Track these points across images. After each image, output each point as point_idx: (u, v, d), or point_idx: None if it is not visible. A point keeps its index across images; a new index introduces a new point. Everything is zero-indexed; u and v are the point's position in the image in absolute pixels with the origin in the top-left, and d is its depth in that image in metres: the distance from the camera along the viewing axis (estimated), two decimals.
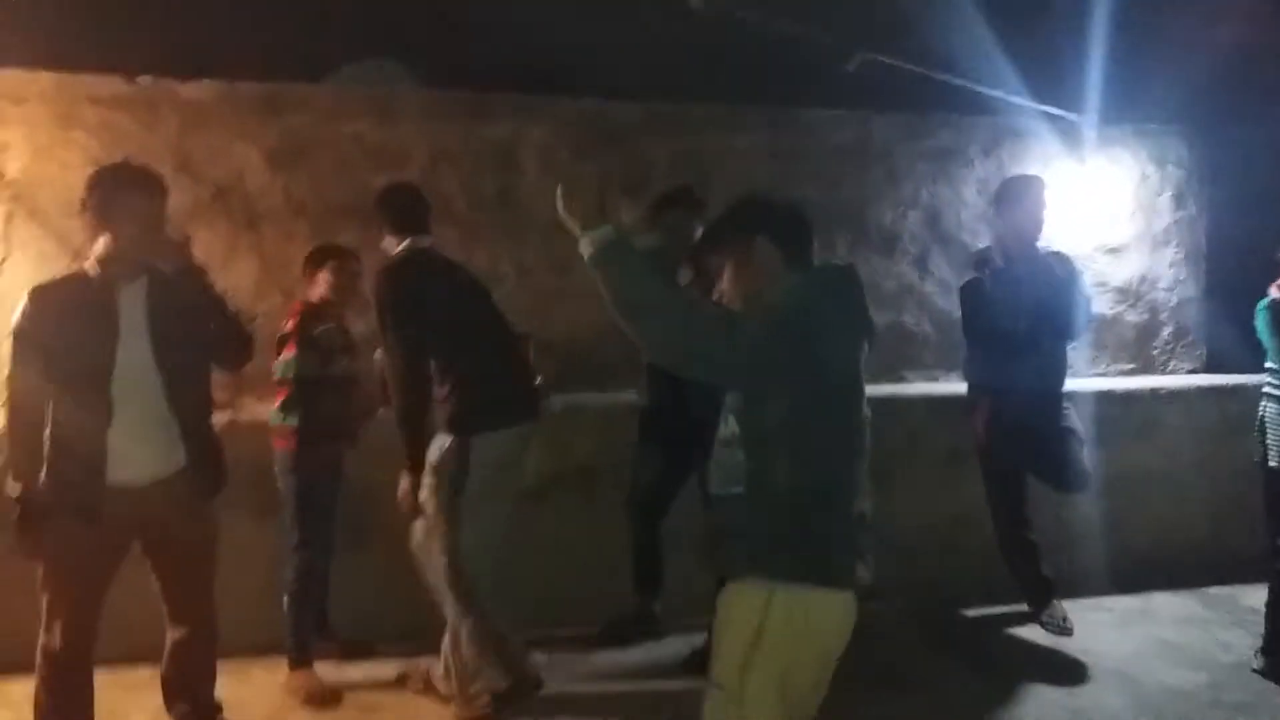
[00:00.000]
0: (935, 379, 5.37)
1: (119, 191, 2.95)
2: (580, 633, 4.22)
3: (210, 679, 3.31)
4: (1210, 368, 5.80)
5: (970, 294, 4.62)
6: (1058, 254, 4.57)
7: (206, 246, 4.44)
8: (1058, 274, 4.47)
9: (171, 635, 3.23)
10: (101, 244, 2.95)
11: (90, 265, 2.98)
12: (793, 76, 4.93)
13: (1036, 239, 4.48)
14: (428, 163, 4.72)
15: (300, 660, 3.82)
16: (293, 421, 3.76)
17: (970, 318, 4.63)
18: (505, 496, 3.57)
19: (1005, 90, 5.19)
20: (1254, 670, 4.04)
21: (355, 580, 4.03)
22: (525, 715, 3.57)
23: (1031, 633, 4.49)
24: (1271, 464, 4.47)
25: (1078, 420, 4.50)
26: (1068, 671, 4.09)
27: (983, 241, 5.26)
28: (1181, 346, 5.87)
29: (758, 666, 2.19)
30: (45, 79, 4.23)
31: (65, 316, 2.89)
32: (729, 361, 2.18)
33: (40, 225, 4.03)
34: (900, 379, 5.34)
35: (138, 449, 2.97)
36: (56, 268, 3.85)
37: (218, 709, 3.34)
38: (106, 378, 2.90)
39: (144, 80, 4.31)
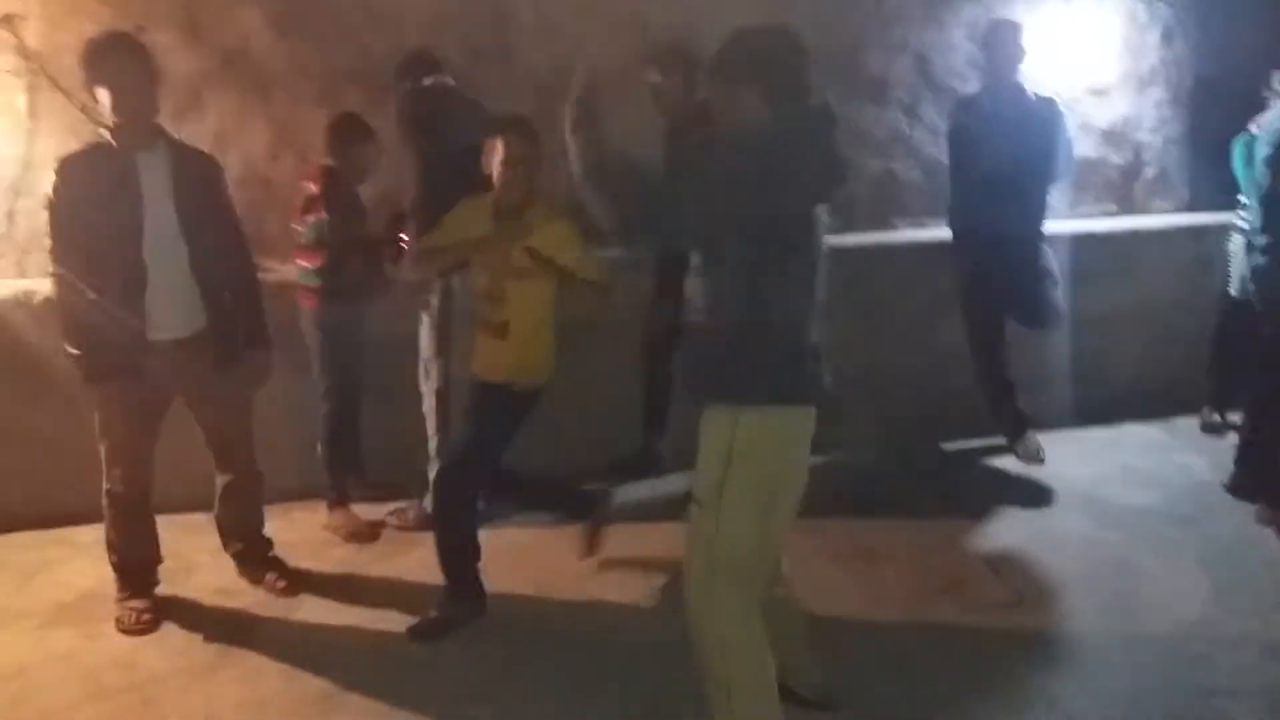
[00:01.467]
0: (923, 225, 5.48)
1: (106, 61, 3.05)
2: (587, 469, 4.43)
3: (259, 519, 3.64)
4: (1191, 208, 5.89)
5: (956, 138, 4.72)
6: (1044, 98, 4.65)
7: (220, 113, 4.56)
8: (1042, 117, 4.57)
9: (220, 480, 3.53)
10: (109, 114, 3.07)
11: (108, 134, 3.11)
12: None
13: (1016, 81, 4.54)
14: (426, 26, 4.72)
15: (338, 500, 4.12)
16: (319, 280, 3.95)
17: (956, 161, 4.74)
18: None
19: None
20: (1223, 485, 4.33)
21: (384, 429, 4.28)
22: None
23: (1006, 463, 4.79)
24: (1232, 293, 4.69)
25: (1053, 261, 4.68)
26: (1036, 496, 4.41)
27: (971, 87, 5.30)
28: (1163, 187, 5.94)
29: (730, 481, 2.40)
30: None
31: (91, 186, 3.06)
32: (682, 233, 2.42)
33: (63, 95, 4.09)
34: (890, 226, 5.46)
35: (169, 309, 3.18)
36: (82, 136, 3.96)
37: (268, 545, 3.67)
38: (138, 243, 3.08)
39: None
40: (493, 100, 4.57)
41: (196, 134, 4.28)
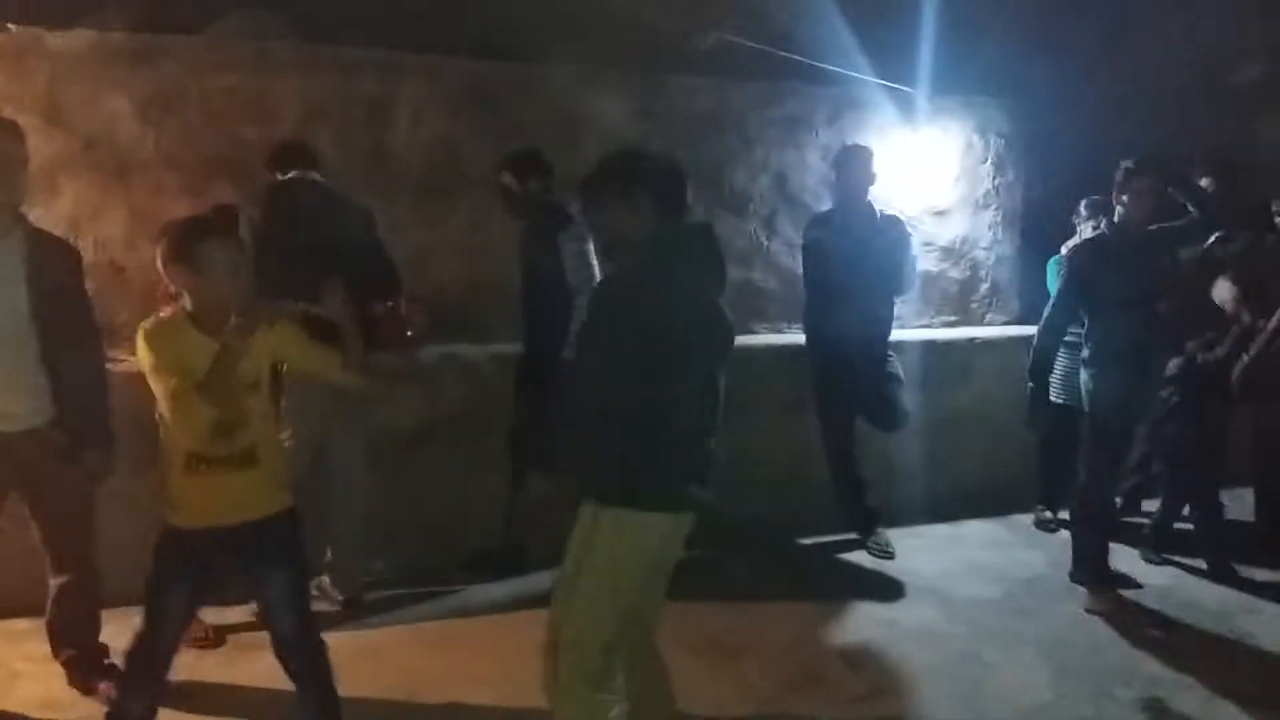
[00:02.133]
0: (780, 330, 5.71)
1: None
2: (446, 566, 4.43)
3: (95, 624, 3.38)
4: (1023, 319, 6.33)
5: (811, 250, 4.96)
6: (891, 217, 4.97)
7: (76, 198, 4.40)
8: (890, 235, 4.87)
9: (54, 581, 3.28)
10: None
11: None
12: (657, 46, 5.12)
13: (866, 200, 4.84)
14: (301, 117, 4.73)
15: None
16: None
17: (810, 272, 4.98)
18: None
19: (847, 64, 5.51)
20: (1070, 577, 4.54)
21: None
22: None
23: (858, 557, 4.93)
24: (1053, 399, 5.02)
25: (899, 367, 4.94)
26: (886, 589, 4.54)
27: (824, 204, 5.63)
28: (997, 300, 6.39)
29: (583, 574, 2.51)
30: None
31: None
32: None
33: None
34: (749, 330, 5.66)
35: (14, 399, 3.01)
36: None
37: (104, 652, 3.40)
38: None
39: (11, 28, 4.19)
40: (368, 196, 4.62)
41: (49, 218, 4.12)
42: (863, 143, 5.22)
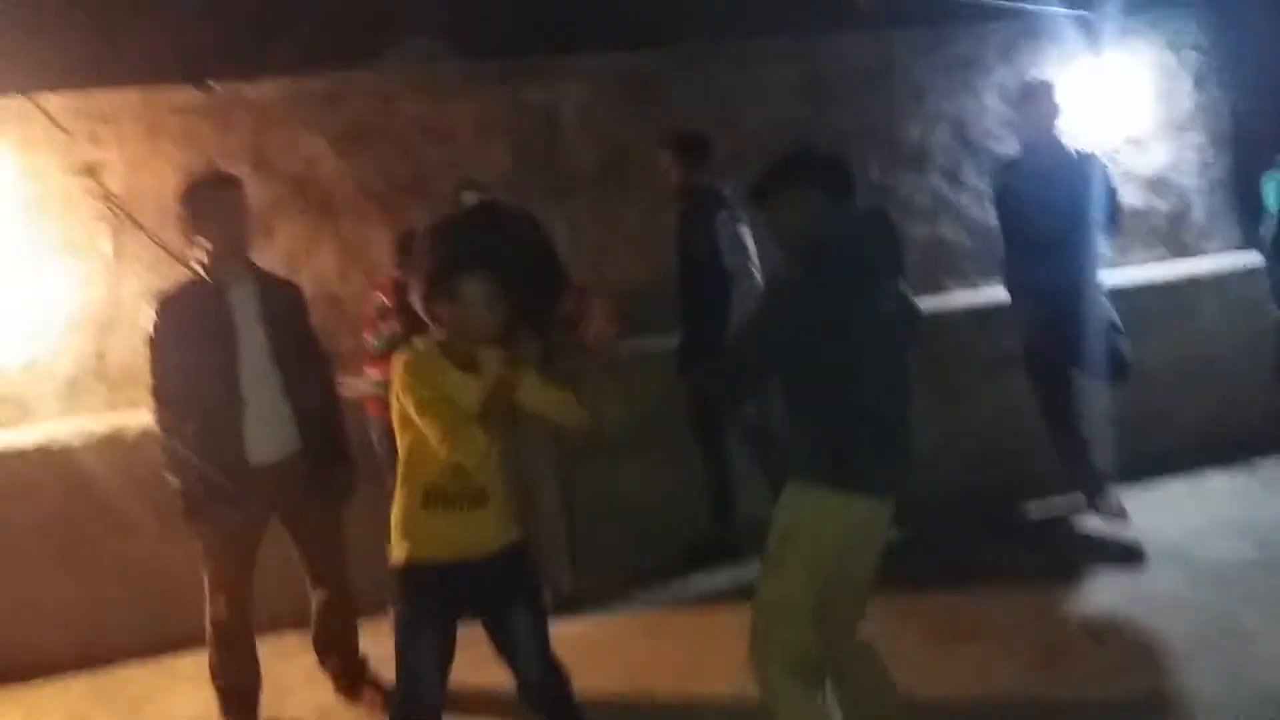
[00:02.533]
0: (975, 286, 5.46)
1: (206, 200, 3.17)
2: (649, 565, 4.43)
3: (354, 635, 3.60)
4: (1245, 248, 5.80)
5: (1001, 198, 4.70)
6: (1084, 152, 4.63)
7: (290, 237, 4.69)
8: (1084, 171, 4.54)
9: (315, 599, 3.52)
10: (203, 249, 3.18)
11: (200, 269, 3.21)
12: (814, 7, 4.95)
13: (1054, 137, 4.53)
14: (475, 134, 4.87)
15: None
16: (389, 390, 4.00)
17: (1004, 221, 4.71)
18: None
19: None
20: None
21: None
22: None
23: (1089, 522, 4.59)
24: None
25: (1114, 312, 4.61)
26: (1124, 554, 4.22)
27: (1009, 148, 5.32)
28: (1213, 230, 5.88)
29: (784, 556, 2.54)
30: (131, 97, 4.44)
31: (188, 320, 3.13)
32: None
33: (145, 235, 4.21)
34: (942, 289, 5.44)
35: (266, 434, 3.23)
36: (163, 275, 4.08)
37: (364, 661, 3.63)
38: (234, 372, 3.16)
39: (216, 87, 4.49)
40: (545, 202, 4.71)
41: (268, 258, 4.37)
42: (1042, 76, 4.90)
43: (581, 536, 4.34)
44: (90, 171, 4.25)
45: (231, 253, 3.21)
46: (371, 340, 4.11)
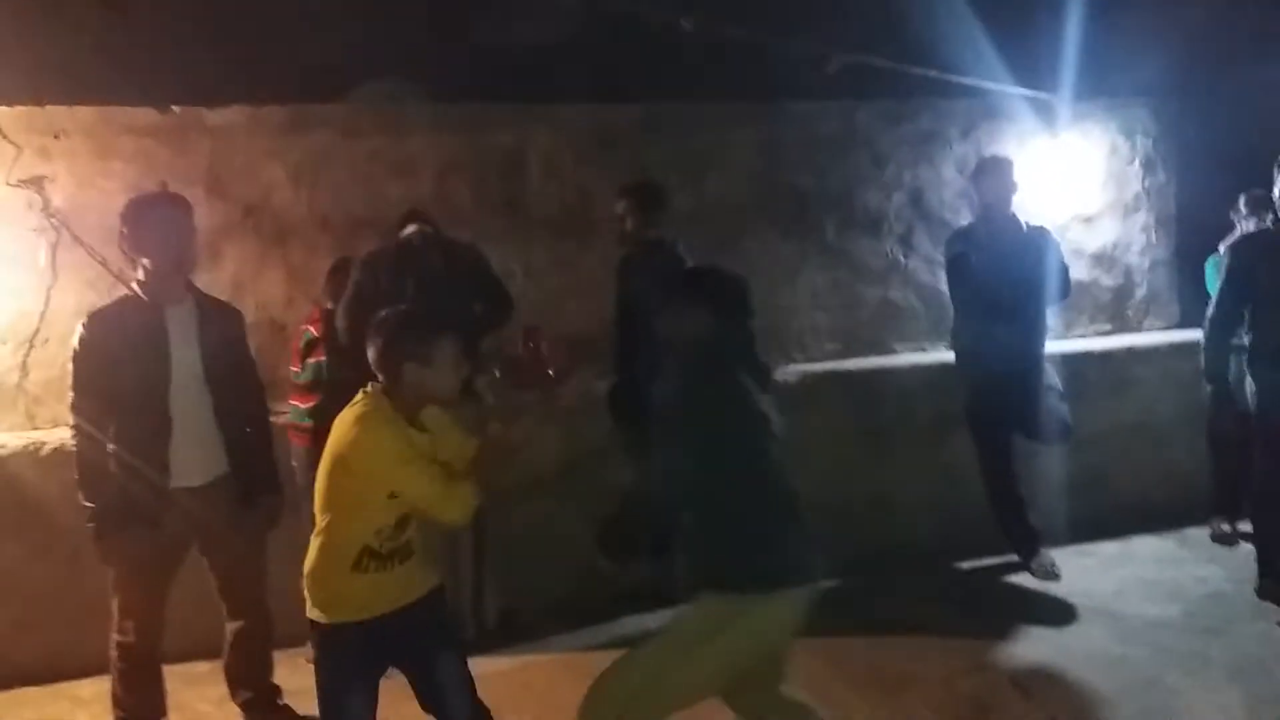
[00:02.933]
0: (923, 349, 5.52)
1: (150, 220, 3.14)
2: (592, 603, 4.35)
3: (268, 666, 3.50)
4: (1183, 325, 5.93)
5: (955, 266, 4.77)
6: (1037, 227, 4.75)
7: (238, 262, 4.65)
8: (1036, 243, 4.65)
9: (230, 627, 3.41)
10: (143, 269, 3.14)
11: (138, 289, 3.16)
12: (780, 75, 5.06)
13: (1009, 211, 4.66)
14: (438, 173, 4.88)
15: None
16: (312, 420, 3.93)
17: (956, 288, 4.80)
18: None
19: (980, 75, 5.32)
20: (1256, 593, 4.20)
21: None
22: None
23: (1021, 579, 4.67)
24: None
25: (1056, 378, 4.69)
26: (1055, 612, 4.28)
27: (963, 218, 5.44)
28: (1155, 307, 6.01)
29: (706, 660, 2.48)
30: (84, 113, 4.39)
31: (120, 339, 3.07)
32: None
33: (83, 251, 4.17)
34: (890, 350, 5.50)
35: (192, 457, 3.16)
36: (100, 292, 4.05)
37: (277, 692, 3.52)
38: (164, 393, 3.10)
39: (175, 110, 4.48)
40: (505, 244, 4.71)
41: (214, 282, 4.35)
42: (1001, 153, 5.04)
43: (508, 573, 4.27)
44: (34, 184, 4.18)
45: (172, 273, 3.17)
46: (297, 372, 4.07)
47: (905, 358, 5.42)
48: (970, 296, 4.69)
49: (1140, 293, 5.98)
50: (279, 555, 3.61)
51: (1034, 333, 4.67)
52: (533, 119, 5.02)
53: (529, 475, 4.44)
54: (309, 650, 2.59)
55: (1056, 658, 3.80)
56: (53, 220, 4.21)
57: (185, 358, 3.15)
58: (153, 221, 3.14)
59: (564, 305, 5.00)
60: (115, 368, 3.06)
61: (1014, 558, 4.80)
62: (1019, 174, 4.69)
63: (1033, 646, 3.94)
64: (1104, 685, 3.56)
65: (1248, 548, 4.75)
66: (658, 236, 4.27)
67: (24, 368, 4.33)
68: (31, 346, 4.32)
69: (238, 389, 3.30)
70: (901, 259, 5.55)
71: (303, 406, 4.03)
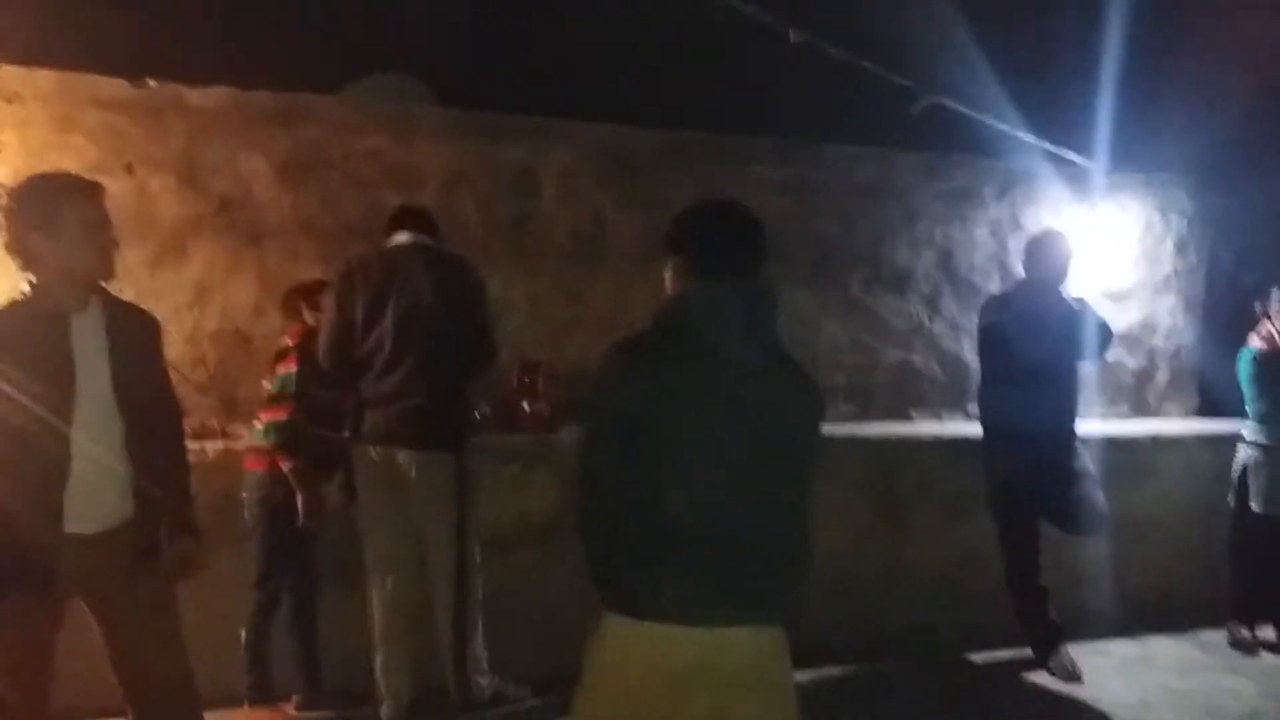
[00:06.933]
0: (940, 418, 4.99)
1: (48, 206, 2.37)
2: None
3: None
4: (1201, 413, 5.50)
5: (990, 335, 4.27)
6: (1078, 299, 4.28)
7: (206, 262, 3.94)
8: (1079, 318, 4.19)
9: (133, 709, 2.59)
10: (42, 267, 2.38)
11: (33, 291, 2.40)
12: (818, 112, 4.54)
13: (1061, 288, 4.19)
14: (444, 183, 4.24)
15: (256, 699, 3.39)
16: (273, 439, 3.29)
17: (990, 359, 4.29)
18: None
19: (1020, 133, 4.86)
20: None
21: (347, 622, 3.50)
22: None
23: (1041, 679, 4.15)
24: (1255, 508, 4.28)
25: (1089, 462, 4.19)
26: None
27: (992, 283, 4.96)
28: (1174, 393, 5.54)
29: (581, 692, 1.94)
30: (44, 77, 3.66)
31: (13, 353, 2.31)
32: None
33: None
34: (907, 417, 4.95)
35: (92, 495, 2.40)
36: None
37: None
38: (66, 418, 2.35)
39: (151, 84, 3.78)
40: (507, 265, 4.10)
41: (176, 283, 3.71)
42: (1038, 219, 4.58)
43: (494, 637, 3.59)
44: None
45: (80, 276, 2.41)
46: (267, 385, 3.43)
47: (925, 427, 4.87)
48: (1002, 368, 4.18)
49: (1162, 377, 5.51)
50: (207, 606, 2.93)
51: (1068, 411, 4.18)
52: (549, 133, 4.40)
53: (519, 526, 3.83)
54: None
55: None
56: None
57: (94, 378, 2.41)
58: (56, 210, 2.37)
59: (568, 340, 4.39)
60: (8, 388, 2.31)
61: (1028, 652, 4.26)
62: (1073, 250, 4.21)
63: None
64: None
65: (1269, 659, 4.43)
66: None
67: None
68: None
69: (154, 413, 2.56)
70: (926, 321, 5.01)
71: (263, 423, 3.35)
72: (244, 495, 3.38)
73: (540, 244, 4.39)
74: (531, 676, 3.68)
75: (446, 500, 3.30)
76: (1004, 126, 4.79)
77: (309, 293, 3.53)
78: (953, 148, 4.94)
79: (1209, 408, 5.46)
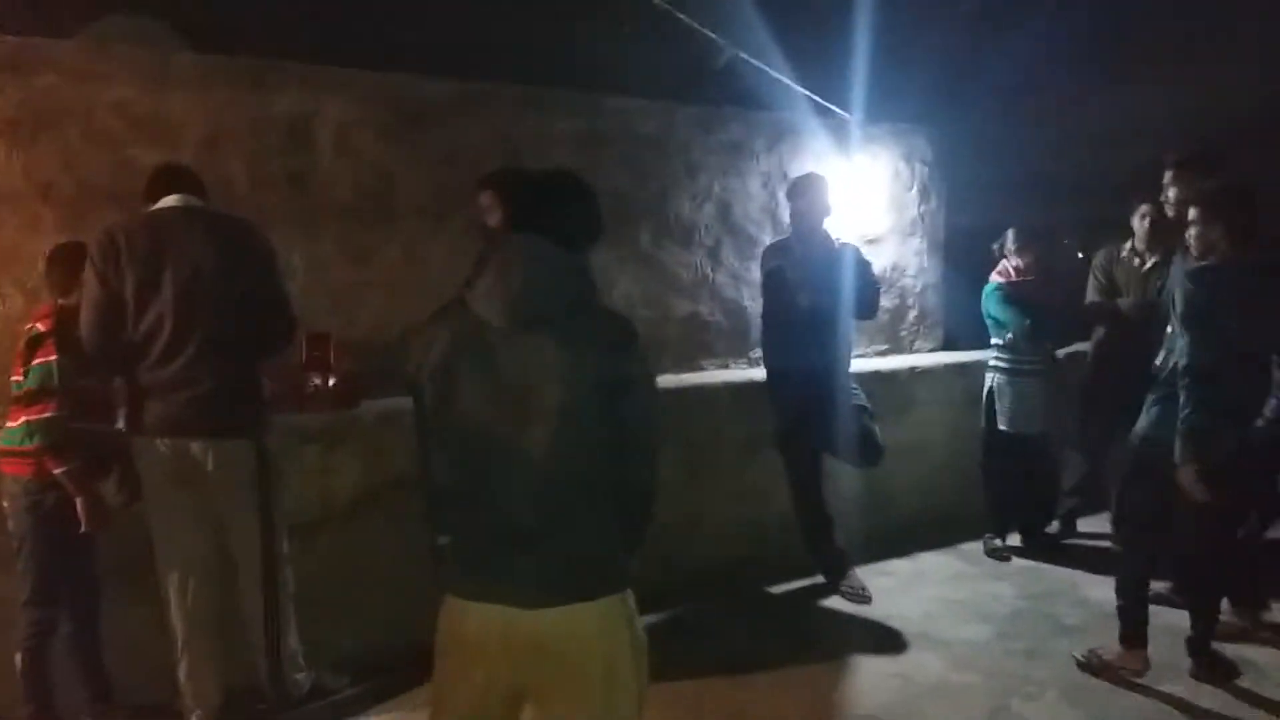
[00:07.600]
0: (727, 366, 5.17)
1: None
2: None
3: None
4: (946, 346, 6.05)
5: (772, 280, 4.47)
6: (847, 244, 4.54)
7: None
8: (851, 259, 4.44)
9: None
10: None
11: None
12: (603, 64, 4.49)
13: (823, 229, 4.44)
14: (205, 138, 3.82)
15: None
16: (39, 440, 2.88)
17: (771, 304, 4.49)
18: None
19: (787, 90, 5.07)
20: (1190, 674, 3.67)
21: (134, 630, 3.18)
22: None
23: (836, 603, 4.46)
24: (1002, 428, 4.77)
25: (864, 397, 4.50)
26: (884, 640, 4.05)
27: (766, 234, 5.17)
28: (925, 327, 6.06)
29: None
30: None
31: None
32: None
33: None
34: (698, 367, 5.09)
35: None
36: None
37: None
38: None
39: None
40: (284, 227, 3.78)
41: None
42: (802, 168, 4.83)
43: (306, 627, 3.36)
44: None
45: None
46: (19, 381, 2.97)
47: (716, 375, 5.02)
48: (783, 313, 4.40)
49: (913, 315, 6.00)
50: None
51: (842, 351, 4.45)
52: (324, 82, 4.05)
53: (323, 510, 3.59)
54: None
55: (901, 690, 3.58)
56: None
57: None
58: None
59: (359, 305, 4.13)
60: None
61: (821, 579, 4.58)
62: (831, 187, 4.48)
63: (882, 682, 3.64)
64: (958, 717, 3.40)
65: (1019, 562, 4.95)
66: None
67: None
68: None
69: None
70: (710, 273, 5.15)
71: (21, 424, 2.91)
72: (4, 505, 2.94)
73: (320, 203, 4.06)
74: (348, 663, 3.52)
75: (249, 490, 3.03)
76: (781, 78, 4.96)
77: (73, 259, 3.05)
78: (725, 100, 5.07)
79: (952, 341, 6.02)
